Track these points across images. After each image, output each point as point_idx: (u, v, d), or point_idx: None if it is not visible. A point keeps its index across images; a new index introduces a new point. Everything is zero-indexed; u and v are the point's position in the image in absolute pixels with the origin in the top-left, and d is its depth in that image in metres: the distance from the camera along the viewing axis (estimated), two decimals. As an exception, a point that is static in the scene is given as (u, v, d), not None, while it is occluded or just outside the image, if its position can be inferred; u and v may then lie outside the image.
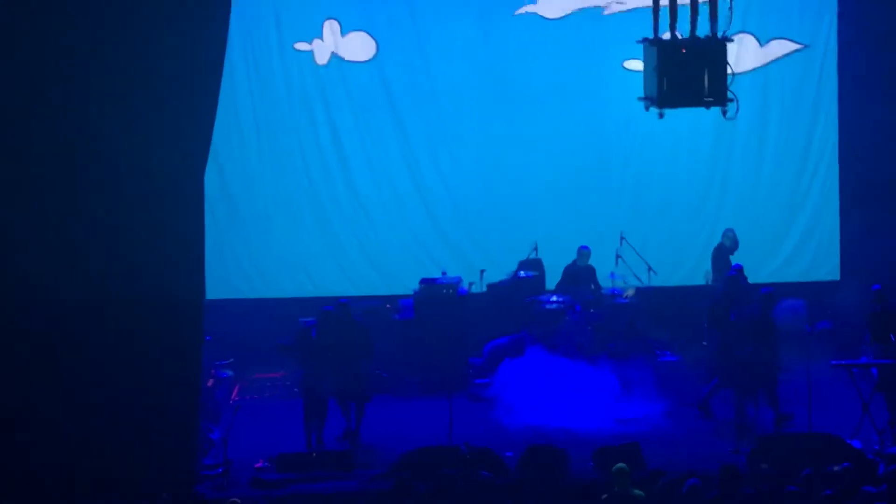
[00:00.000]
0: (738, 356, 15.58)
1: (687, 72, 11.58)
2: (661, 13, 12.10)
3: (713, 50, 11.64)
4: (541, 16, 19.73)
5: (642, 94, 12.22)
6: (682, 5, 11.67)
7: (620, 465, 12.22)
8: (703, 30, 11.89)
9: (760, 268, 19.50)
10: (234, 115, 19.12)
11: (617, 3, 19.66)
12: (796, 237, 20.11)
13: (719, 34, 11.70)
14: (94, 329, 12.46)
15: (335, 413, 15.60)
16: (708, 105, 11.76)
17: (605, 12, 19.75)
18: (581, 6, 19.75)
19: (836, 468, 12.21)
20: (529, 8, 19.74)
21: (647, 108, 12.03)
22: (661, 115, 11.96)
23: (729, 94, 11.82)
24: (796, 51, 19.87)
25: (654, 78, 11.71)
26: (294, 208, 19.74)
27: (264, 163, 19.68)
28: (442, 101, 19.75)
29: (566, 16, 19.74)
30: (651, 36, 11.92)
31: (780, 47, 19.85)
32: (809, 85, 20.03)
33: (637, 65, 19.14)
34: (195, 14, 12.32)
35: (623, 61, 19.29)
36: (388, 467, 14.00)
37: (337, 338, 15.57)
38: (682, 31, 11.92)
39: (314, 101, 19.67)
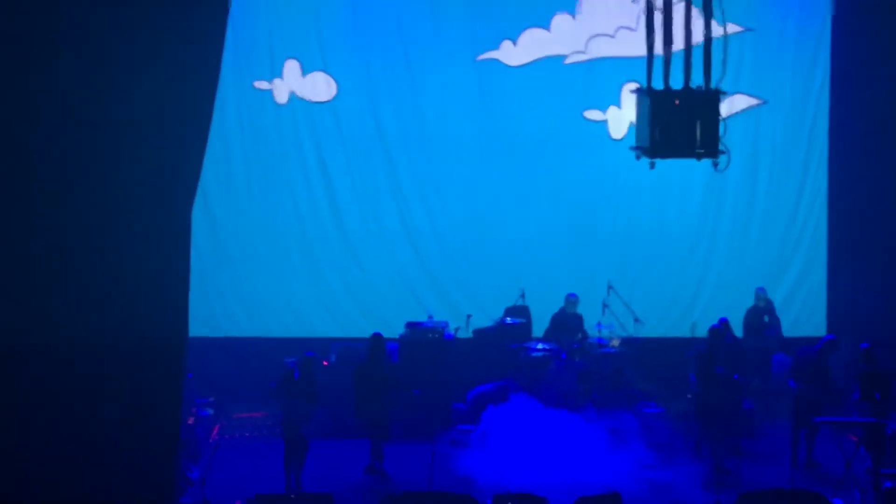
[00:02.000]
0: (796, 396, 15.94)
1: (680, 122, 11.53)
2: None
3: (706, 101, 11.60)
4: (503, 62, 19.71)
5: (633, 143, 12.19)
6: (676, 53, 11.62)
7: (601, 516, 12.11)
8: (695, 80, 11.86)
9: (747, 321, 19.47)
10: (223, 153, 19.08)
11: (578, 52, 19.66)
12: (784, 291, 20.07)
13: (713, 85, 11.66)
14: (74, 366, 12.37)
15: (315, 455, 15.49)
16: (699, 156, 11.71)
17: (567, 61, 19.77)
18: (543, 55, 19.71)
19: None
20: (492, 54, 19.73)
21: (637, 158, 11.98)
22: (652, 165, 11.90)
23: (721, 147, 11.78)
24: (754, 106, 19.86)
25: (646, 128, 11.66)
26: (281, 247, 19.69)
27: (253, 201, 19.64)
28: (434, 144, 19.74)
29: (528, 63, 19.71)
30: (643, 85, 11.86)
31: (742, 102, 19.81)
32: (800, 140, 20.09)
33: (596, 115, 19.52)
34: (190, 50, 12.30)
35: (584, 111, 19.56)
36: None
37: (372, 371, 15.97)
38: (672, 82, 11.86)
39: (304, 142, 19.65)
